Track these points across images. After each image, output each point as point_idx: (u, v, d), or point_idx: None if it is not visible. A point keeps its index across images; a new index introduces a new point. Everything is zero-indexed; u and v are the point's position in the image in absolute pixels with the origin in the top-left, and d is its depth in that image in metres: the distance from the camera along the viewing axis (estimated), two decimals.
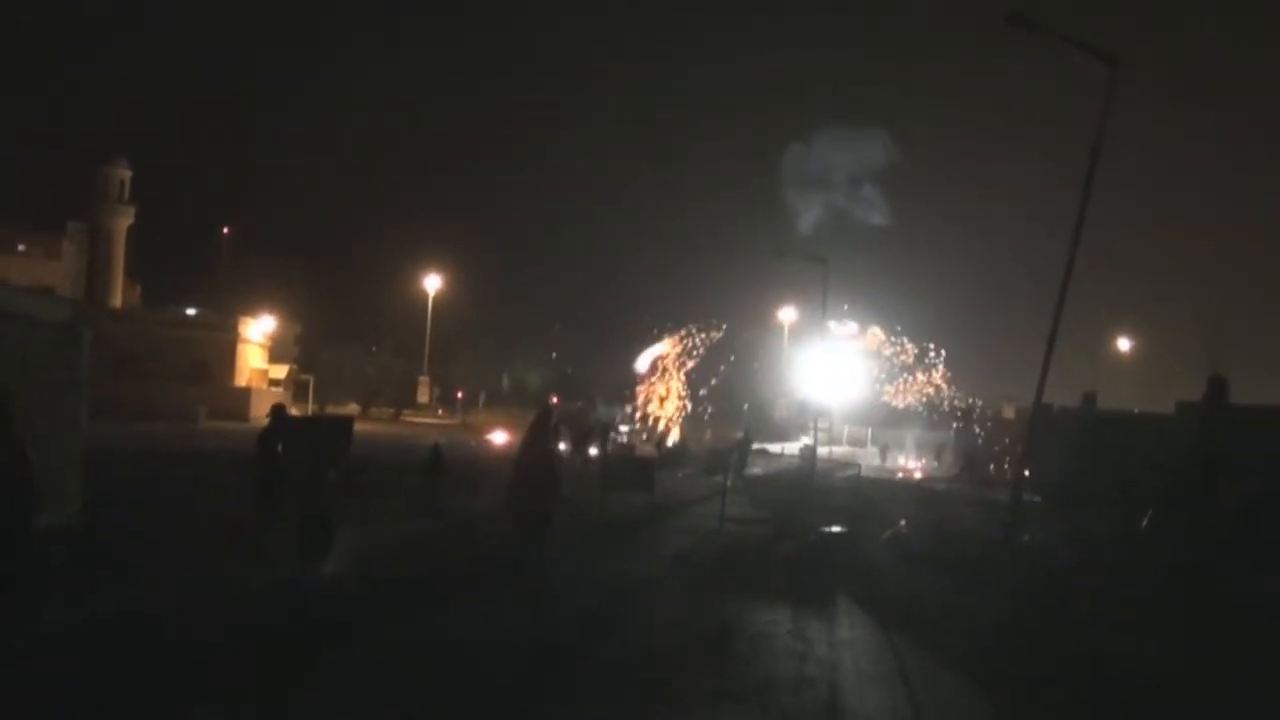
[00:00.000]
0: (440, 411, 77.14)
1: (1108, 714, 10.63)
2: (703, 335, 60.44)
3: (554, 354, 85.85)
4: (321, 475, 15.05)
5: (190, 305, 70.78)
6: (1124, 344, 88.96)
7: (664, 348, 57.87)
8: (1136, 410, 44.65)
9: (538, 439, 14.72)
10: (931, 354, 69.65)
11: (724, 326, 61.08)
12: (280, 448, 16.02)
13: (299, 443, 16.26)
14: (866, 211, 60.82)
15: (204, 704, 8.58)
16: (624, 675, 10.61)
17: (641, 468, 33.24)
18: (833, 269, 47.78)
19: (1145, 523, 24.51)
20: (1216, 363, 45.26)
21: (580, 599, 14.16)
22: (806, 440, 46.17)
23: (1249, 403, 28.50)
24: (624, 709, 9.59)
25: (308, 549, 14.10)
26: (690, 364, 58.20)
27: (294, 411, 50.11)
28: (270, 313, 70.78)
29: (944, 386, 66.73)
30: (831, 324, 61.34)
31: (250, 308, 69.32)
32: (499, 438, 50.02)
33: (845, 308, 68.29)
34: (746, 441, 40.01)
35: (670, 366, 58.44)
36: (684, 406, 59.51)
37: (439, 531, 19.67)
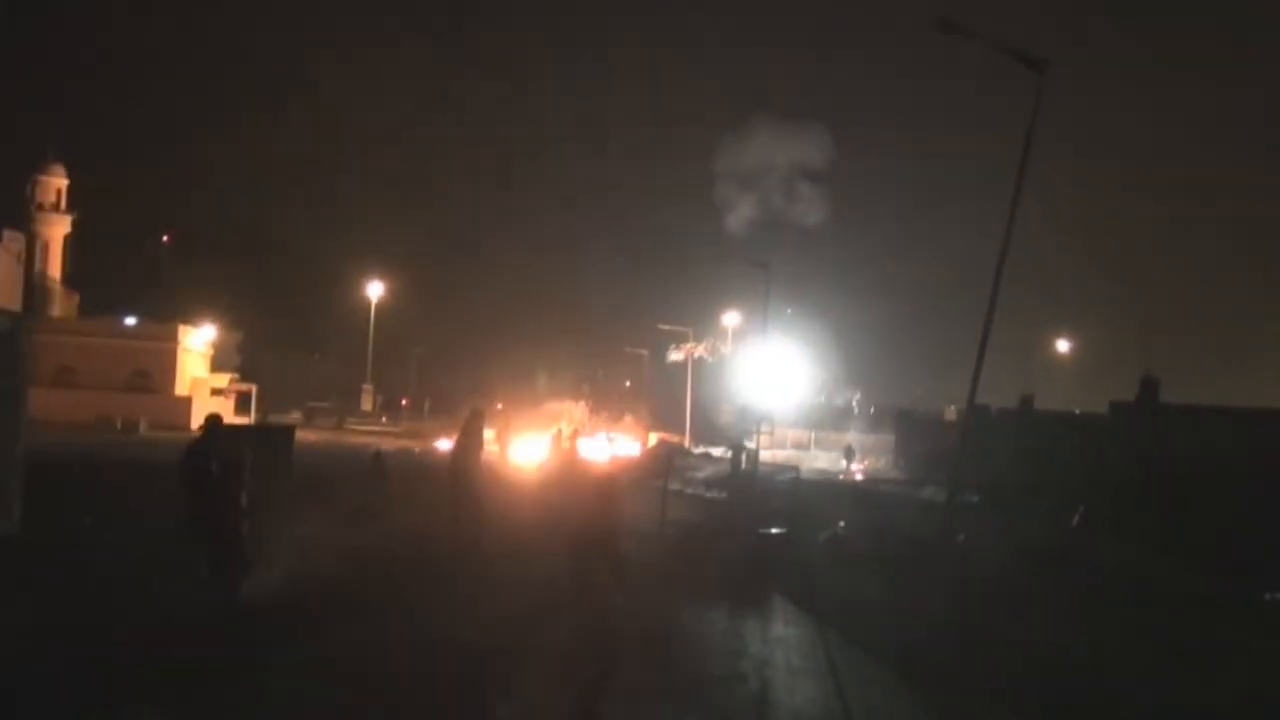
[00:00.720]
0: (384, 419, 76.90)
1: (1027, 705, 11.00)
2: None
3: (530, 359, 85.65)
4: (240, 492, 13.43)
5: (130, 314, 70.20)
6: (1062, 345, 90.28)
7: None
8: (1078, 411, 45.50)
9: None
10: (855, 406, 70.88)
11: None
12: (215, 466, 13.52)
13: (227, 457, 14.09)
14: (803, 210, 61.51)
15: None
16: (564, 672, 10.92)
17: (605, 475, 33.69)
18: (776, 273, 48.44)
19: (1077, 521, 25.07)
20: (1150, 363, 46.13)
21: (522, 599, 14.41)
22: (749, 444, 46.52)
23: (1181, 402, 29.16)
24: (564, 705, 9.87)
25: (223, 570, 13.04)
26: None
27: (240, 420, 50.16)
28: (211, 321, 70.41)
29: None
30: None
31: (191, 316, 68.86)
32: (444, 445, 50.04)
33: (789, 311, 69.08)
34: (739, 450, 39.39)
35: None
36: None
37: (379, 539, 19.55)
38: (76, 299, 74.34)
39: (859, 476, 47.56)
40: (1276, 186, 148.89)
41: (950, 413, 52.33)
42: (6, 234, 68.13)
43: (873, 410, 70.81)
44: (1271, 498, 20.13)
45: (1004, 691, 11.28)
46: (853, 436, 63.40)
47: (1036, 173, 23.62)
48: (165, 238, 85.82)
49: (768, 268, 51.57)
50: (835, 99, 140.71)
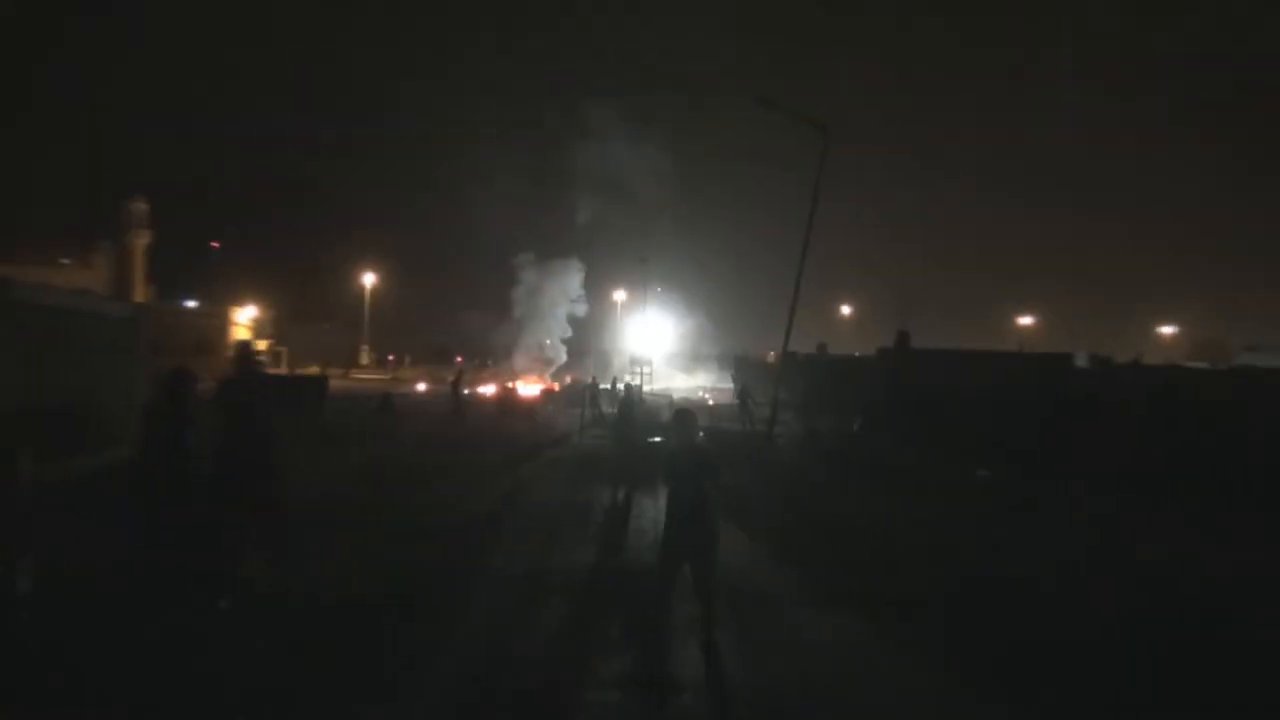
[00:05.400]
0: (385, 369, 77.18)
1: (818, 542, 11.94)
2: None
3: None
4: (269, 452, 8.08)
5: (191, 299, 69.73)
6: (845, 309, 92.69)
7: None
8: (857, 354, 46.84)
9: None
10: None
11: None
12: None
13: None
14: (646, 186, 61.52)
15: None
16: (528, 530, 11.67)
17: (525, 402, 34.59)
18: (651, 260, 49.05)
19: (856, 427, 26.25)
20: (904, 319, 47.66)
21: (494, 487, 15.12)
22: (632, 380, 47.17)
23: (924, 346, 30.33)
24: (531, 548, 10.62)
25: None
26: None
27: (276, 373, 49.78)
28: (253, 302, 70.34)
29: None
30: None
31: (238, 298, 68.97)
32: (421, 387, 50.58)
33: (659, 290, 69.83)
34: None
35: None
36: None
37: (396, 451, 20.09)
38: (153, 289, 72.86)
39: (710, 401, 48.08)
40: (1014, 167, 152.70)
41: (770, 357, 53.27)
42: (104, 244, 66.82)
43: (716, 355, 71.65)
44: (981, 408, 21.21)
45: (820, 536, 12.23)
46: (707, 374, 64.58)
47: (835, 182, 24.87)
48: (214, 244, 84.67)
49: (647, 261, 52.54)
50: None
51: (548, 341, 61.48)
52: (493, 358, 65.00)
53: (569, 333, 61.51)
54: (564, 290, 59.82)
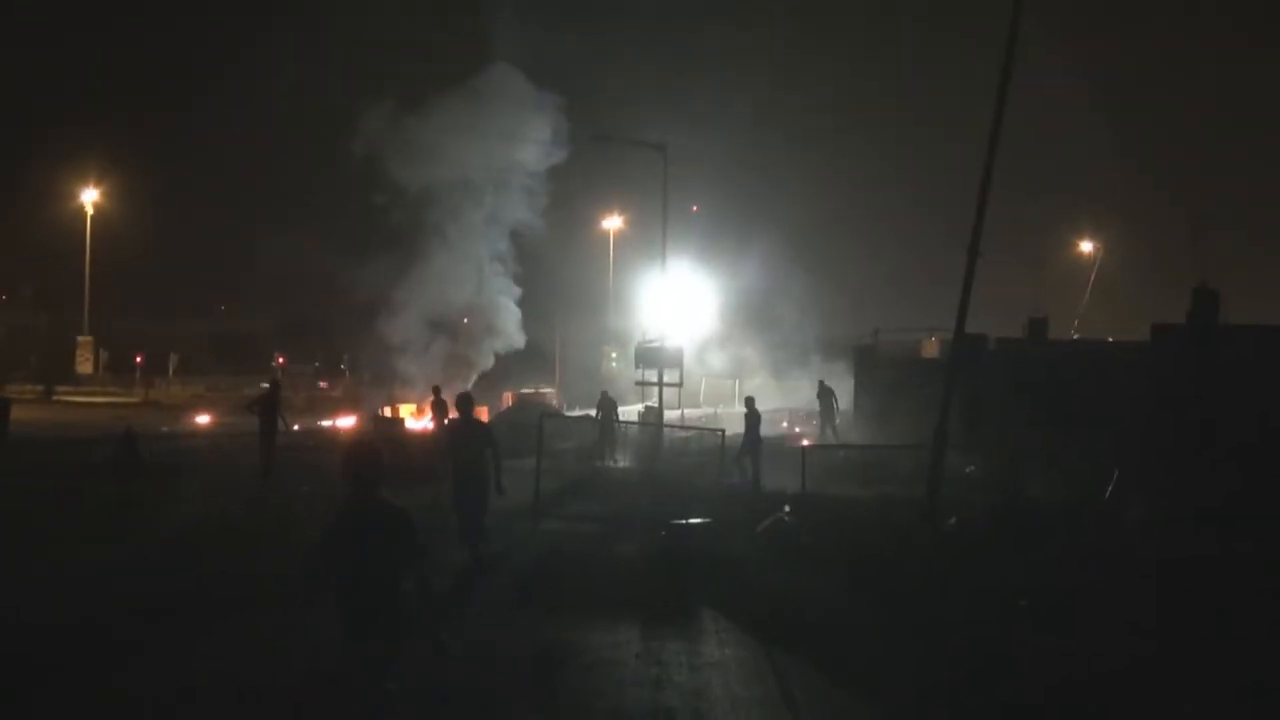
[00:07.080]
0: (115, 386, 75.78)
1: None
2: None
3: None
4: None
5: None
6: (1086, 246, 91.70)
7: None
8: (1110, 339, 46.75)
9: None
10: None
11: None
12: None
13: None
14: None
15: None
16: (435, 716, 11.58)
17: (422, 451, 33.95)
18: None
19: (1110, 491, 25.94)
20: (1204, 273, 47.33)
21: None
22: (650, 403, 46.86)
23: (1246, 321, 30.19)
24: None
25: None
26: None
27: None
28: None
29: None
30: None
31: None
32: (203, 419, 50.38)
33: (695, 209, 69.51)
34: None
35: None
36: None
37: (143, 555, 19.79)
38: None
39: (805, 441, 47.64)
40: None
41: (931, 347, 52.20)
42: None
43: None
44: None
45: None
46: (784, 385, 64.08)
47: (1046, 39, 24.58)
48: None
49: (665, 149, 51.20)
50: None
51: (465, 321, 60.36)
52: (350, 355, 64.85)
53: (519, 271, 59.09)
54: (505, 150, 56.25)
